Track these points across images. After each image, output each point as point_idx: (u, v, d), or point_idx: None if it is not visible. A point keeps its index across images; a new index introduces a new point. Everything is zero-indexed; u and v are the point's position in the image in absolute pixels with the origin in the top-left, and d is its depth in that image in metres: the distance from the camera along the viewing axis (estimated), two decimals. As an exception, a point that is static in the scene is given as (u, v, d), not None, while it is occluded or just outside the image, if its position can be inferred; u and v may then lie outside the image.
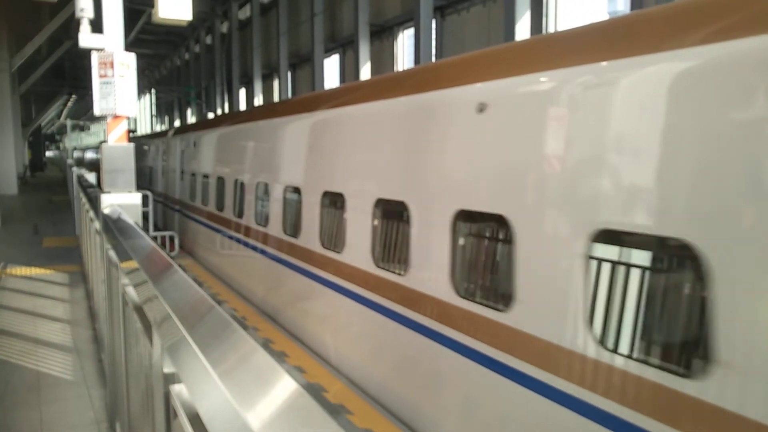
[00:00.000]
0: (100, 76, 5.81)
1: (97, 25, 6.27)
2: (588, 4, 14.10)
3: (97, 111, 5.93)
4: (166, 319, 1.67)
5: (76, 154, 62.40)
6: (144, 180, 18.71)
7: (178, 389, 1.55)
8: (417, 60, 17.34)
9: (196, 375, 1.28)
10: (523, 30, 13.92)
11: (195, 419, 1.30)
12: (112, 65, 5.81)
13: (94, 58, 5.92)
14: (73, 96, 51.49)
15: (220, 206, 10.52)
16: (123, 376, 3.07)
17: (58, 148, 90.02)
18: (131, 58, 6.04)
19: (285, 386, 1.02)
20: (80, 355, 5.85)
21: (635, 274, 3.14)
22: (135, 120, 60.16)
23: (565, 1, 13.93)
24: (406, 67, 20.13)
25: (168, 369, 1.65)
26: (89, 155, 65.20)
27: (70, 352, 5.93)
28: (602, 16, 14.03)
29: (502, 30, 14.44)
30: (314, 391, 0.97)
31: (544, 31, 13.84)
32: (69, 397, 4.91)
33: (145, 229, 3.89)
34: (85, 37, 6.14)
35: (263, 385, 1.06)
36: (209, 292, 1.69)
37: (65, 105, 62.44)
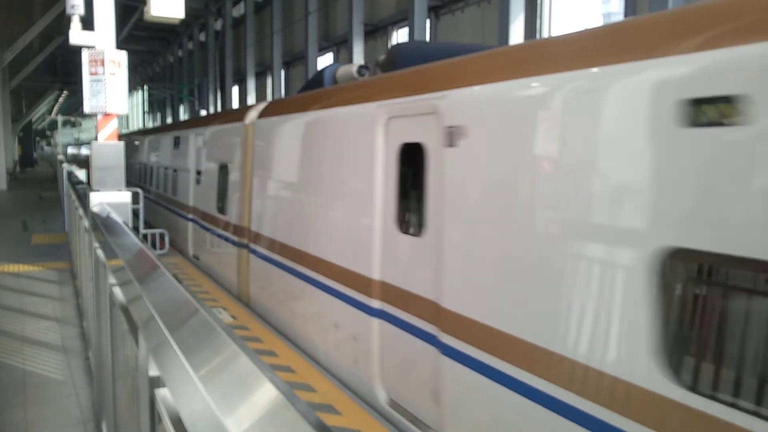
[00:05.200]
0: (91, 74, 5.75)
1: (88, 22, 6.22)
2: (582, 5, 14.15)
3: (87, 109, 5.87)
4: (150, 321, 1.66)
5: (65, 150, 62.86)
6: None
7: (162, 393, 1.54)
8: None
9: (179, 379, 1.27)
10: (517, 31, 13.95)
11: (178, 424, 1.29)
12: (102, 63, 5.76)
13: (85, 55, 5.86)
14: (65, 91, 51.23)
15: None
16: (110, 376, 3.05)
17: (48, 143, 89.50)
18: (122, 56, 5.99)
19: (266, 393, 1.02)
20: (67, 353, 5.81)
21: None
22: (126, 117, 59.95)
23: (560, 3, 13.97)
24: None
25: (153, 372, 1.64)
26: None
27: (58, 351, 5.89)
28: (596, 17, 14.09)
29: (497, 31, 14.46)
30: (295, 398, 0.97)
31: (538, 33, 13.88)
32: (55, 395, 4.88)
33: (136, 226, 3.88)
34: (76, 35, 6.07)
35: (244, 390, 1.06)
36: (196, 293, 1.68)
37: (56, 100, 62.12)
